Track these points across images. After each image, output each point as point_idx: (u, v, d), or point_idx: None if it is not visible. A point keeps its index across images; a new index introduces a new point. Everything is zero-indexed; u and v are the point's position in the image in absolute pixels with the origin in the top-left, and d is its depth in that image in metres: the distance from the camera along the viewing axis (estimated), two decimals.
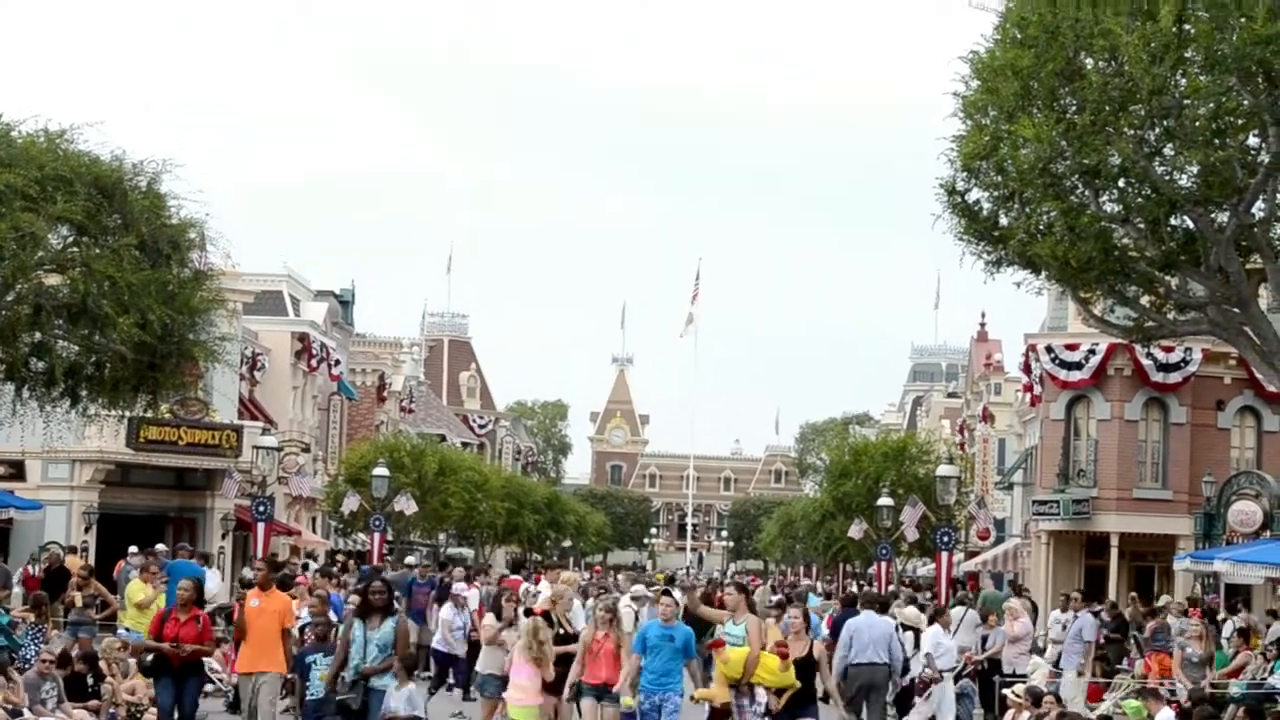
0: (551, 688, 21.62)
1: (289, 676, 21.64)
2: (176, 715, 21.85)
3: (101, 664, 25.92)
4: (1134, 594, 46.29)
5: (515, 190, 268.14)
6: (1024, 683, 27.18)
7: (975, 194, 25.21)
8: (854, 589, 57.25)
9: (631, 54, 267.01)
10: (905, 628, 28.10)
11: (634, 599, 31.75)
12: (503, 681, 22.67)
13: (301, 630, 23.19)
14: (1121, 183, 23.67)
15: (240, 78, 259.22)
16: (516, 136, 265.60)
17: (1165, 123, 22.57)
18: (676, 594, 26.29)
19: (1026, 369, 57.96)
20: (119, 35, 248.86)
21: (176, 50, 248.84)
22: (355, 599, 24.54)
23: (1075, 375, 53.96)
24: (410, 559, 62.58)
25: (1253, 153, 23.15)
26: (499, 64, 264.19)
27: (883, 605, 27.43)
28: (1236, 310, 25.22)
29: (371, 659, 19.64)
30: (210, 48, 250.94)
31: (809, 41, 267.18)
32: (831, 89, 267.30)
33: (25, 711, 22.93)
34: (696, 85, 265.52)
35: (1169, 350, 51.37)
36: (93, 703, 25.52)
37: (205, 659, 24.21)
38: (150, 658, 22.12)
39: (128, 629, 29.27)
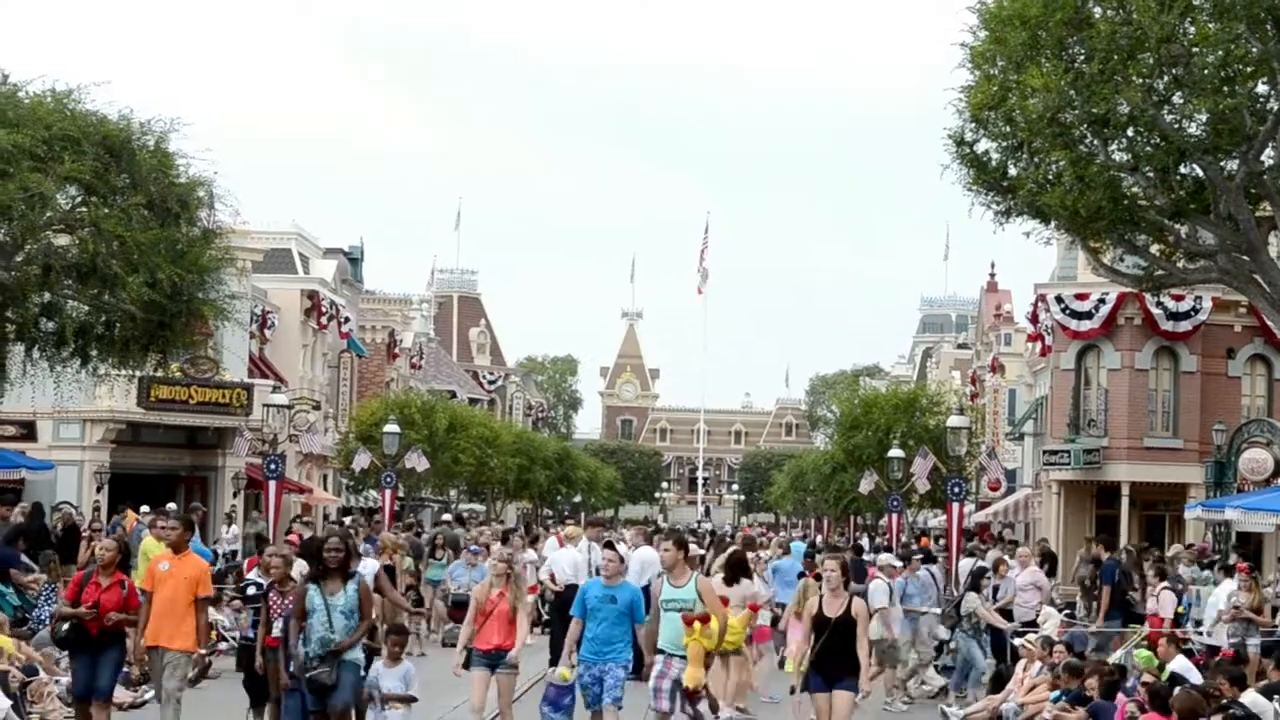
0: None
1: (199, 653, 19.18)
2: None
3: None
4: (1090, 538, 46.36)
5: (524, 152, 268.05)
6: (1035, 632, 27.26)
7: (984, 144, 25.18)
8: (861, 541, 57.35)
9: (636, 27, 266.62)
10: None
11: (882, 569, 28.97)
12: None
13: (267, 594, 19.85)
14: (1130, 131, 23.64)
15: (240, 65, 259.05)
16: (523, 114, 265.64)
17: (1174, 71, 22.53)
18: (622, 548, 23.93)
19: (1036, 319, 57.93)
20: (120, 24, 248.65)
21: (172, 47, 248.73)
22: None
23: (1085, 325, 53.92)
24: (447, 516, 62.81)
25: (1262, 100, 23.13)
26: (503, 43, 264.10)
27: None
28: (1246, 258, 25.19)
29: (340, 628, 17.16)
30: (212, 25, 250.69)
31: (812, 6, 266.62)
32: (839, 45, 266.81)
33: (40, 672, 22.92)
34: (700, 54, 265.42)
35: (1179, 299, 51.30)
36: None
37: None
38: (66, 627, 19.07)
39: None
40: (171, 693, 18.58)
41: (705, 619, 18.42)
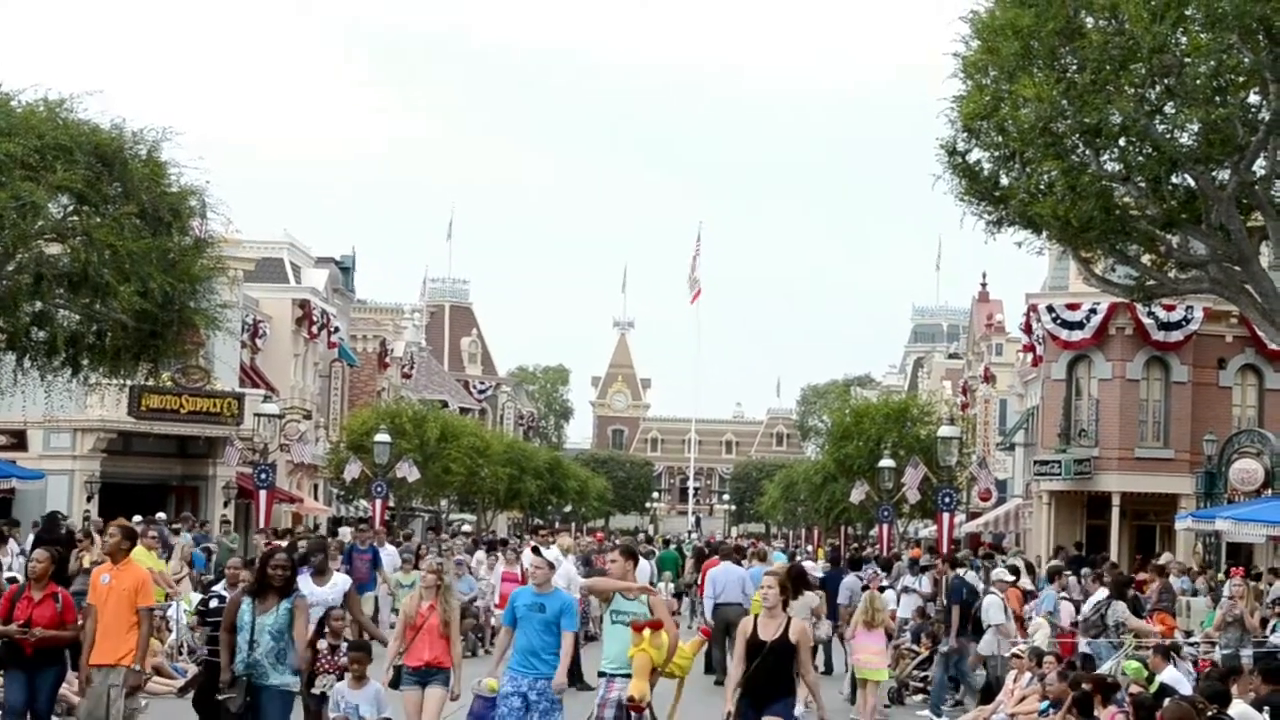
0: None
1: (136, 669, 17.07)
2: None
3: None
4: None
5: (516, 162, 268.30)
6: (1025, 642, 27.23)
7: (976, 154, 25.21)
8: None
9: (630, 31, 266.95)
10: None
11: (995, 585, 28.41)
12: None
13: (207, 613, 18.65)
14: (1122, 141, 23.66)
15: (233, 77, 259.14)
16: (516, 124, 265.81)
17: (1166, 81, 22.54)
18: (551, 552, 22.41)
19: (1028, 329, 57.96)
20: (114, 35, 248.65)
21: (166, 58, 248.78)
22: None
23: (1076, 335, 53.96)
24: (466, 528, 62.66)
25: (1253, 110, 23.14)
26: (498, 44, 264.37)
27: (739, 553, 34.30)
28: (1238, 268, 25.22)
29: (265, 649, 15.74)
30: (206, 34, 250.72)
31: (805, 11, 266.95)
32: (829, 54, 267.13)
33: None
34: (694, 60, 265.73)
35: (1170, 309, 51.36)
36: None
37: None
38: None
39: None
40: (116, 714, 16.93)
41: (656, 626, 16.80)
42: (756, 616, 16.67)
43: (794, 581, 25.44)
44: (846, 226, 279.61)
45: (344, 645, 18.50)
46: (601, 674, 17.31)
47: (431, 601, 17.75)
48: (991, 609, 27.74)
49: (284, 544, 28.66)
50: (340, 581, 20.39)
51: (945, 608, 29.84)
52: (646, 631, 16.68)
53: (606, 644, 17.40)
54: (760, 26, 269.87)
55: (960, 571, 30.66)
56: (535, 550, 18.48)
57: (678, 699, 18.18)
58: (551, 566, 17.80)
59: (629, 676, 16.76)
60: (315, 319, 70.44)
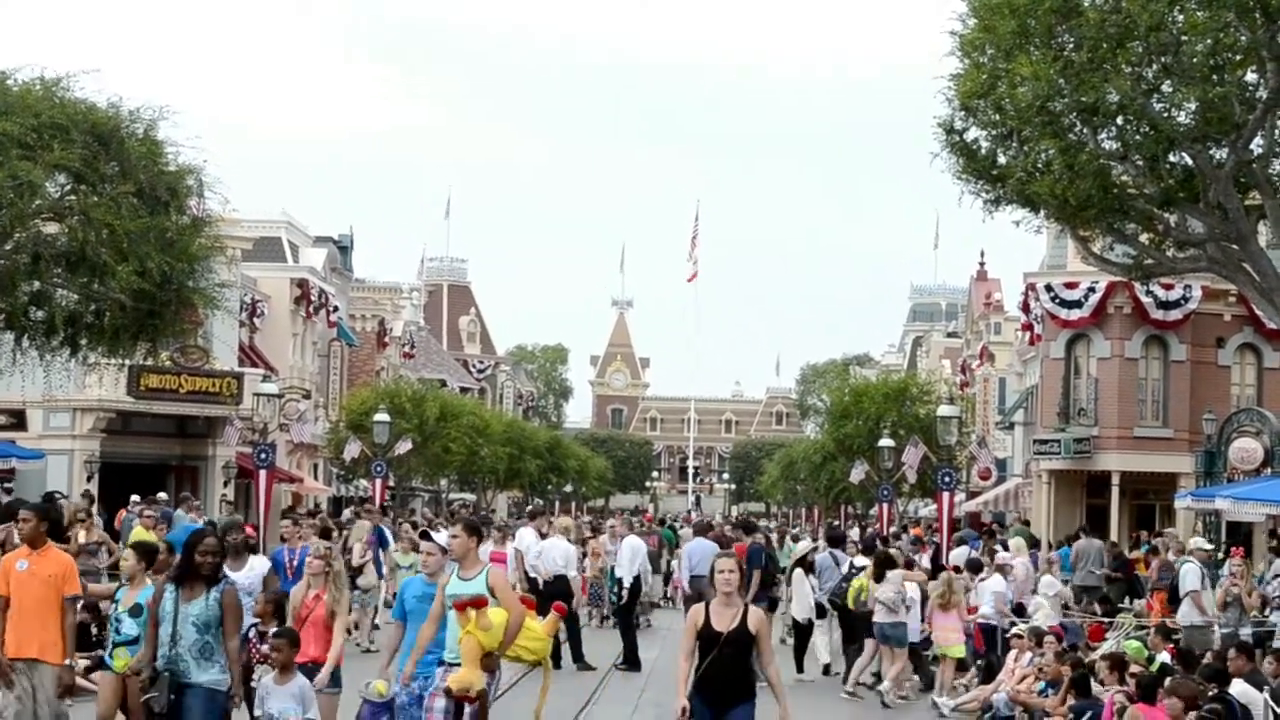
0: None
1: (68, 664, 15.97)
2: None
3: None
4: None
5: (514, 140, 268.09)
6: (1027, 622, 27.27)
7: (973, 133, 25.18)
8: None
9: (629, 31, 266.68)
10: None
11: (1192, 553, 28.56)
12: None
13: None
14: (1120, 120, 23.64)
15: (229, 49, 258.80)
16: (514, 102, 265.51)
17: (1163, 59, 22.52)
18: (440, 537, 19.88)
19: (1026, 308, 57.94)
20: (113, 14, 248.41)
21: (164, 35, 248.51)
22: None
23: (1075, 314, 53.93)
24: (530, 509, 62.47)
25: (1251, 88, 23.12)
26: (497, 34, 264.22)
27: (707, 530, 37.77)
28: (1235, 247, 25.21)
29: (188, 643, 14.08)
30: (200, 26, 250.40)
31: (804, 12, 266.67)
32: (827, 34, 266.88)
33: None
34: (694, 39, 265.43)
35: (1169, 288, 51.33)
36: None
37: None
38: None
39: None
40: (45, 712, 15.72)
41: (479, 604, 14.95)
42: (708, 604, 14.64)
43: (879, 566, 26.71)
44: (847, 205, 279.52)
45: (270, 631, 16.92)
46: (441, 662, 15.37)
47: (319, 590, 16.48)
48: (1188, 576, 27.97)
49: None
50: (258, 565, 19.46)
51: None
52: (471, 612, 14.92)
53: (448, 629, 15.39)
54: (760, 27, 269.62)
55: (756, 536, 32.39)
56: (425, 535, 16.97)
57: (545, 687, 16.85)
58: (444, 552, 16.16)
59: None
60: (313, 298, 70.45)
